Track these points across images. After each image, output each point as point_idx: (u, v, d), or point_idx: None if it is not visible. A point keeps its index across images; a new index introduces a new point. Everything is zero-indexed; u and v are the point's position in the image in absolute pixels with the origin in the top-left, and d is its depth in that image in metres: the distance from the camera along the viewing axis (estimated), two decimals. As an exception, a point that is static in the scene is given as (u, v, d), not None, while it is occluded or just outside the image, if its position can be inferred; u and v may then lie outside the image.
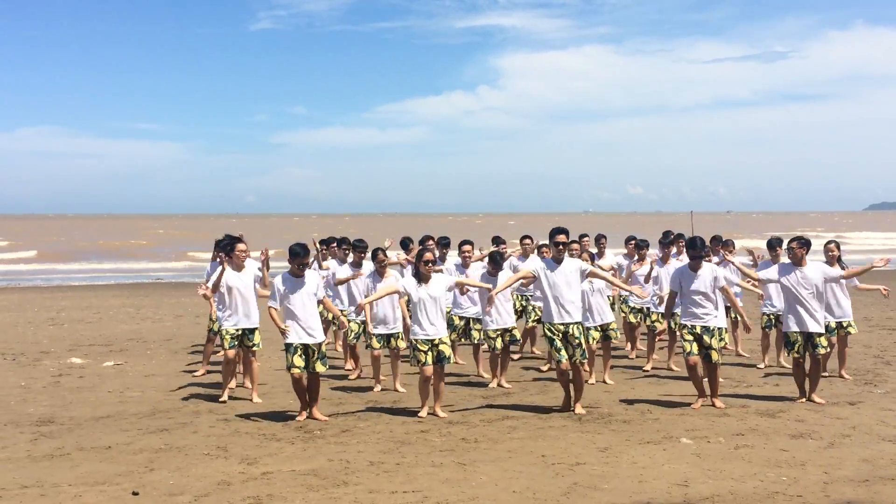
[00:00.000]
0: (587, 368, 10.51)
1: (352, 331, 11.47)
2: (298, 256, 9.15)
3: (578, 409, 9.50)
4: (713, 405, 9.70)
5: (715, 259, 11.86)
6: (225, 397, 10.24)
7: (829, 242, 11.41)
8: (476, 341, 11.72)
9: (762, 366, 12.43)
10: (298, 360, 9.08)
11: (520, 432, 8.65)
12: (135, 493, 6.69)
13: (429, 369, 9.33)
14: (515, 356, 12.98)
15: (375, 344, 10.74)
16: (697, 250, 9.76)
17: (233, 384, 10.57)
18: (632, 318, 12.96)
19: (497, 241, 13.14)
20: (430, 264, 9.40)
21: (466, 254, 11.62)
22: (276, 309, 9.19)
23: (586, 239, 13.66)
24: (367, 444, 8.23)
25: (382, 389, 10.92)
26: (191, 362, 13.21)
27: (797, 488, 6.72)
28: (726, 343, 10.88)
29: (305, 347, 9.12)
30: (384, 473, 7.20)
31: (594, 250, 12.81)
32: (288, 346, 9.13)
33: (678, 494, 6.60)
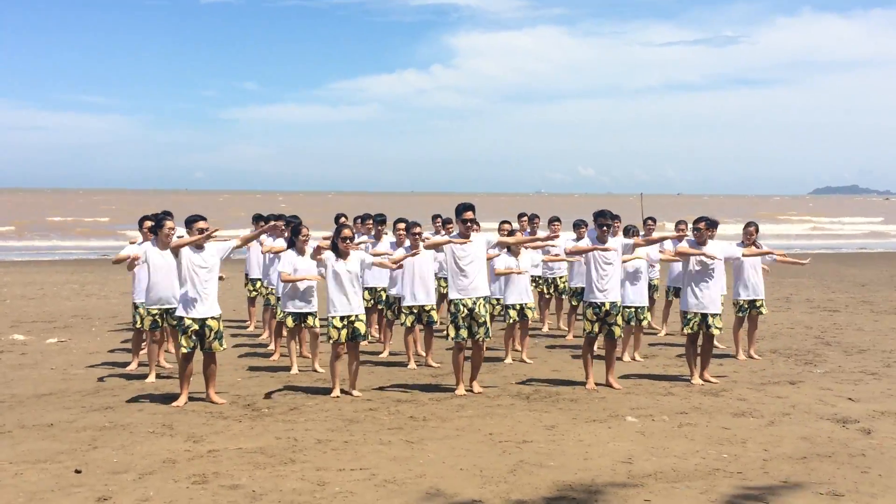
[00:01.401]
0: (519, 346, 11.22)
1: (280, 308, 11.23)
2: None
3: (476, 388, 9.52)
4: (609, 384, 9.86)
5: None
6: (152, 377, 10.12)
7: (748, 224, 11.56)
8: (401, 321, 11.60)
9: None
10: (187, 341, 8.78)
11: (468, 410, 8.70)
12: (77, 472, 6.60)
13: (342, 347, 9.25)
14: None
15: (290, 322, 10.58)
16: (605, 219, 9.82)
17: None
18: (574, 302, 13.24)
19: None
20: (348, 241, 9.32)
21: (400, 233, 11.56)
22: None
23: (536, 220, 13.75)
24: (315, 422, 8.21)
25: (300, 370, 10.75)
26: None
27: (737, 465, 6.87)
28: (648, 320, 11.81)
29: (201, 325, 8.78)
30: (332, 451, 7.20)
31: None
32: (180, 323, 8.80)
33: (622, 471, 6.70)
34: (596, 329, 9.79)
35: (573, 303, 13.43)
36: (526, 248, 11.19)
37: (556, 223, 13.27)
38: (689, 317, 10.10)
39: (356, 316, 9.30)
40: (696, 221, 10.31)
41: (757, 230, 11.60)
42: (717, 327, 10.05)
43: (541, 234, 12.22)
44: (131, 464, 6.82)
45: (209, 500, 6.02)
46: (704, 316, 9.99)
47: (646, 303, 11.48)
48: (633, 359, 11.64)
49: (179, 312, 8.80)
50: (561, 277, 13.83)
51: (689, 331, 10.09)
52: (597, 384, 9.84)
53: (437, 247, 10.00)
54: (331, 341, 9.24)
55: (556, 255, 12.76)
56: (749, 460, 7.01)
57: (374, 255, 10.84)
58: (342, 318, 9.23)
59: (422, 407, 8.86)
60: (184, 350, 8.79)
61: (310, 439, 7.56)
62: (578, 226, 12.43)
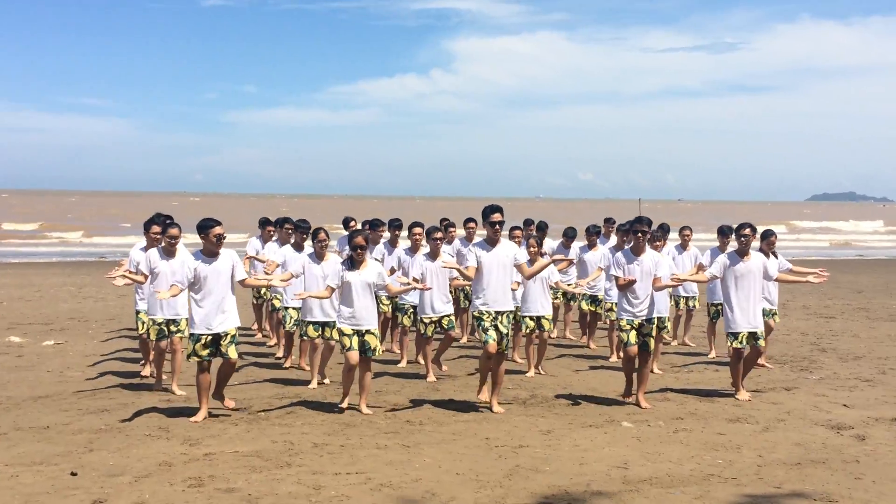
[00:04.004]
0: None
1: (291, 318, 10.97)
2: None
3: (496, 407, 8.92)
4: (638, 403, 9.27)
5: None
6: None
7: (767, 233, 10.82)
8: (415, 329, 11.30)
9: (712, 355, 12.40)
10: (201, 350, 8.37)
11: (464, 415, 8.72)
12: (73, 474, 6.61)
13: (353, 355, 8.69)
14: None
15: (312, 333, 10.04)
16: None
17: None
18: (585, 306, 13.07)
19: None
20: (361, 250, 8.74)
21: (417, 237, 11.12)
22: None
23: (531, 226, 13.72)
24: (312, 426, 8.22)
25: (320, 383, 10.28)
26: (133, 342, 13.02)
27: (732, 470, 6.89)
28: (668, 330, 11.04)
29: (216, 336, 8.41)
30: (328, 455, 7.21)
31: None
32: (191, 336, 8.46)
33: (617, 476, 6.72)
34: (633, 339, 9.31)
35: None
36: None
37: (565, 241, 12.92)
38: (735, 333, 9.54)
39: (367, 329, 8.77)
40: (741, 228, 9.68)
41: (776, 238, 11.05)
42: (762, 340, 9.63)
43: (549, 243, 12.06)
44: (127, 466, 6.83)
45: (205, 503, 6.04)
46: (751, 333, 9.54)
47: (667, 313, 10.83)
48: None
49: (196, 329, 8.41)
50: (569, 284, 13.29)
51: (739, 345, 9.52)
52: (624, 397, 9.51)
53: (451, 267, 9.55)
54: (343, 350, 8.77)
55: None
56: (744, 466, 7.03)
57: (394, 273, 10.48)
58: (352, 329, 8.72)
59: (418, 411, 8.87)
60: (194, 358, 8.40)
61: (306, 443, 7.57)
62: (591, 232, 12.55)
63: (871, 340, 13.95)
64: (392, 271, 10.76)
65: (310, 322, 10.06)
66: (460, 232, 13.18)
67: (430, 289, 9.96)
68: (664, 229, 11.50)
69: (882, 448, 7.58)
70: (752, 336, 9.56)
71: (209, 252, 8.44)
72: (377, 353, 8.87)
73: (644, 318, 9.24)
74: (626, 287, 9.28)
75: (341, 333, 8.77)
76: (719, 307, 11.86)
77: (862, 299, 20.30)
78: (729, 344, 9.63)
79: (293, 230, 11.17)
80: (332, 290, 8.89)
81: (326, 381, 10.30)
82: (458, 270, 9.32)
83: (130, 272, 9.67)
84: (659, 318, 10.20)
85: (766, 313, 10.85)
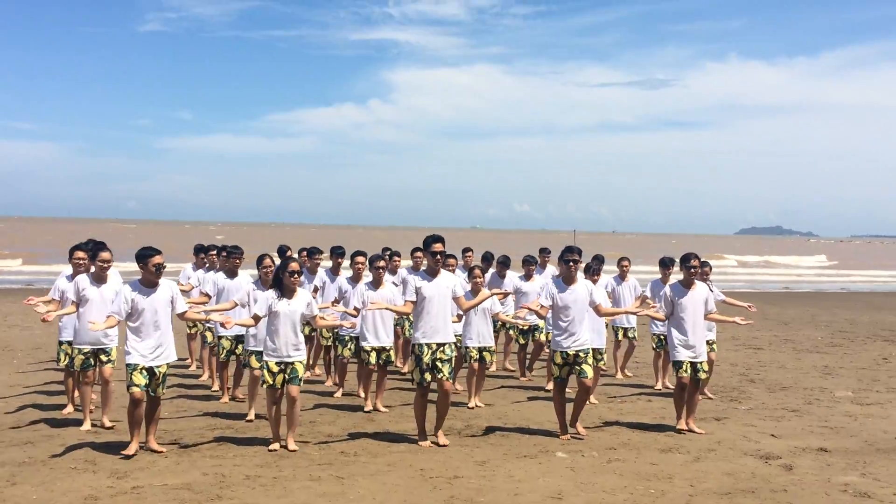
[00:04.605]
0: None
1: (223, 348, 10.70)
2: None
3: (442, 440, 8.81)
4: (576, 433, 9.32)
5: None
6: (87, 425, 9.18)
7: (703, 264, 10.91)
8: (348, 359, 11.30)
9: (658, 386, 12.51)
10: (139, 378, 8.04)
11: (399, 446, 8.67)
12: (-6, 509, 6.39)
13: (276, 392, 8.48)
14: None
15: (255, 363, 9.73)
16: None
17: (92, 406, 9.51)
18: (521, 340, 13.13)
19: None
20: (296, 275, 8.53)
21: (359, 266, 10.98)
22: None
23: (469, 254, 13.78)
24: (244, 457, 8.08)
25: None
26: (59, 373, 12.66)
27: (664, 500, 6.97)
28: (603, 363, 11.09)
29: (150, 369, 8.15)
30: (260, 487, 7.09)
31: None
32: (128, 365, 8.13)
33: (552, 507, 6.74)
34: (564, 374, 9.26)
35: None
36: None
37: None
38: (680, 362, 9.60)
39: (295, 360, 8.47)
40: (688, 259, 9.73)
41: (710, 270, 11.48)
42: (704, 371, 9.70)
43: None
44: (51, 501, 6.63)
45: (132, 538, 5.88)
46: (693, 364, 9.59)
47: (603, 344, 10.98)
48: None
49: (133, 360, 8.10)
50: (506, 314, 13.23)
51: (683, 373, 9.56)
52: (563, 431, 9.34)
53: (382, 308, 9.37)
54: (264, 386, 8.51)
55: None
56: (676, 495, 7.12)
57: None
58: (278, 364, 8.44)
59: (352, 442, 8.79)
60: (135, 390, 8.02)
61: (238, 475, 7.44)
62: (529, 262, 12.74)
63: (797, 371, 14.30)
64: (336, 302, 10.65)
65: (252, 351, 9.84)
66: (406, 262, 13.16)
67: (354, 325, 9.48)
68: (599, 260, 11.50)
69: (809, 477, 7.76)
70: (693, 368, 9.59)
71: (147, 282, 8.19)
72: (301, 382, 8.55)
73: (577, 348, 9.18)
74: (544, 314, 9.24)
75: (266, 368, 8.47)
76: (662, 338, 12.13)
77: (788, 331, 20.82)
78: (673, 373, 9.73)
79: (227, 256, 10.94)
80: (259, 318, 8.60)
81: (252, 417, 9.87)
82: (391, 309, 9.27)
83: (55, 302, 9.30)
84: (595, 350, 10.33)
85: (707, 344, 10.75)
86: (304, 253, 12.70)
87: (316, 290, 11.82)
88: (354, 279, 11.06)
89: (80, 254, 9.52)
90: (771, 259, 76.13)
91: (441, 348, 8.73)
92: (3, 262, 46.15)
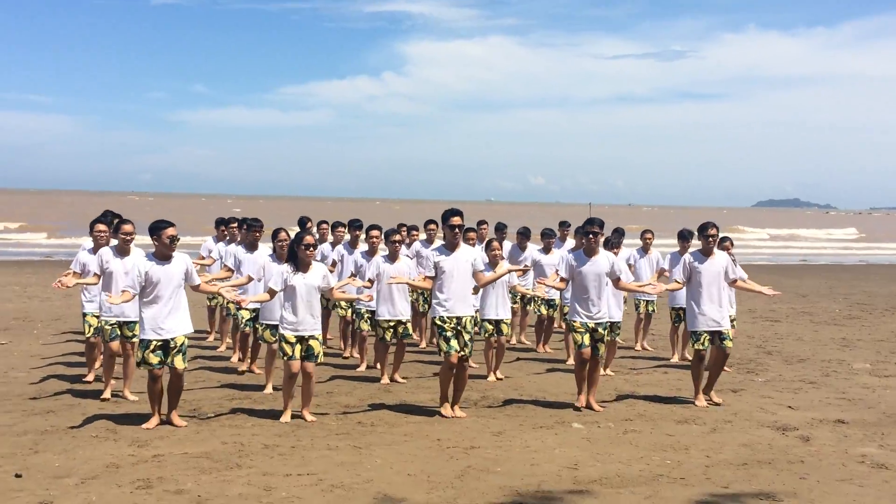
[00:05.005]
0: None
1: (243, 318, 10.72)
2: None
3: (458, 413, 8.84)
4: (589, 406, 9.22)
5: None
6: (107, 394, 9.29)
7: (724, 239, 10.87)
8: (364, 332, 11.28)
9: (674, 359, 12.51)
10: (151, 357, 8.04)
11: (416, 417, 8.72)
12: (17, 476, 6.47)
13: (295, 364, 8.39)
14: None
15: (269, 337, 9.86)
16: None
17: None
18: (544, 311, 13.00)
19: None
20: (311, 248, 8.52)
21: (374, 240, 10.98)
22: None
23: (484, 226, 13.74)
24: (263, 427, 8.16)
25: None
26: (79, 344, 12.79)
27: (680, 471, 6.99)
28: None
29: (164, 343, 8.11)
30: (279, 456, 7.16)
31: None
32: (140, 341, 8.16)
33: (568, 477, 6.78)
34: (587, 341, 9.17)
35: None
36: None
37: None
38: (698, 334, 9.53)
39: (311, 334, 8.45)
40: (706, 227, 9.62)
41: (732, 244, 11.40)
42: (730, 339, 9.59)
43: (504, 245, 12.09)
44: (73, 468, 6.71)
45: (153, 506, 5.96)
46: (713, 334, 9.50)
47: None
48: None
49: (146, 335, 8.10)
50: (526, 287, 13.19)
51: (700, 346, 9.51)
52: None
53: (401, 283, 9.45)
54: (284, 358, 8.46)
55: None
56: (692, 466, 7.14)
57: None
58: (296, 336, 8.42)
59: (370, 413, 8.85)
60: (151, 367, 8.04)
61: (256, 444, 7.51)
62: (548, 235, 12.64)
63: (814, 343, 14.26)
64: (353, 276, 10.65)
65: (267, 325, 9.89)
66: (421, 235, 13.17)
67: (371, 297, 9.65)
68: (619, 233, 11.47)
69: (826, 449, 7.76)
70: (718, 336, 9.48)
71: (161, 255, 8.16)
72: (320, 359, 8.58)
73: (597, 320, 9.18)
74: (562, 287, 9.26)
75: (283, 340, 8.45)
76: (680, 311, 11.85)
77: (806, 303, 20.73)
78: (691, 345, 9.68)
79: (247, 229, 10.94)
80: (274, 292, 8.61)
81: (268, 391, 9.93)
82: (411, 284, 9.30)
83: (76, 274, 9.38)
84: (613, 323, 10.33)
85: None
86: (324, 225, 12.75)
87: (335, 263, 11.88)
88: (370, 253, 11.06)
89: (101, 227, 9.58)
90: (797, 232, 75.50)
91: (461, 321, 8.73)
92: (27, 234, 46.58)
